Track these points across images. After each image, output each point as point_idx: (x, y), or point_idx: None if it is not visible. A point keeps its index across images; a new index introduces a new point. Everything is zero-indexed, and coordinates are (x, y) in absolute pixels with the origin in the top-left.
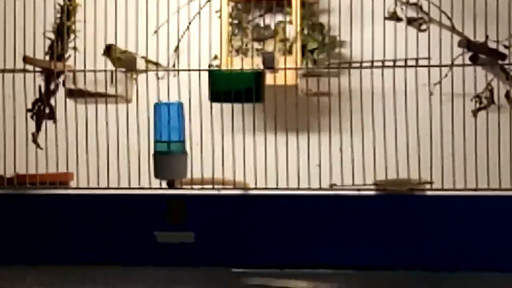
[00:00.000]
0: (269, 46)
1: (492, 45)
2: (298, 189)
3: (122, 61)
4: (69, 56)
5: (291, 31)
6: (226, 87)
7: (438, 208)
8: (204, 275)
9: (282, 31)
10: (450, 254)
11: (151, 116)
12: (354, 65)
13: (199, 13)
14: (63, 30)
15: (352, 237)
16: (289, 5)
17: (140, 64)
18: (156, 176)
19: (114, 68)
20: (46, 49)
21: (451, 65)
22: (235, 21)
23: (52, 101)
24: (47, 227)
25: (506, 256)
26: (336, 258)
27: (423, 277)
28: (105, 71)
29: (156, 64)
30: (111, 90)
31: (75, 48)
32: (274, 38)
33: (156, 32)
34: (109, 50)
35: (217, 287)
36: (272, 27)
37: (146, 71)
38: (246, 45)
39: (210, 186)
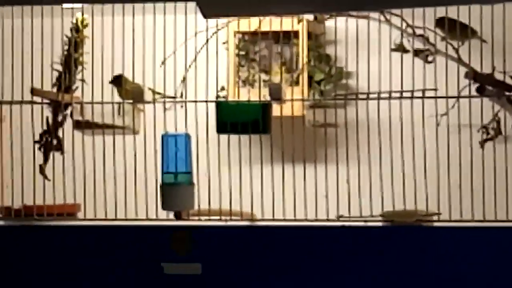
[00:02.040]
0: (276, 77)
1: (498, 76)
2: (305, 220)
3: (130, 92)
4: (77, 87)
5: (298, 62)
6: (233, 118)
7: (445, 240)
8: None
9: (280, 57)
10: (457, 285)
11: (159, 148)
12: (360, 96)
13: (206, 44)
14: (70, 62)
15: (359, 268)
16: (296, 36)
17: (148, 96)
18: (163, 207)
19: (121, 100)
20: (54, 81)
21: (458, 97)
22: (242, 52)
23: (59, 133)
24: (54, 259)
25: None
26: None
27: None
28: (113, 103)
29: (164, 96)
30: (118, 122)
31: (82, 80)
32: (280, 68)
33: (163, 63)
34: (118, 80)
35: None
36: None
37: (153, 102)
38: (253, 76)
39: (217, 218)
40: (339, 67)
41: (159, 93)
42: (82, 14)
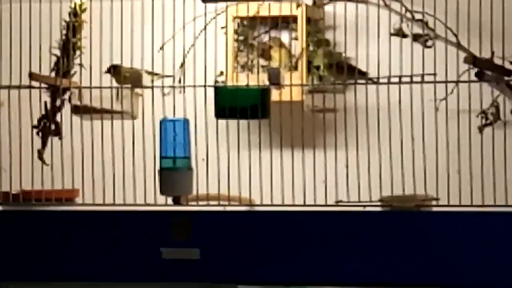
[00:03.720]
0: (275, 62)
1: (498, 61)
2: (304, 205)
3: (128, 78)
4: (75, 72)
5: (297, 47)
6: (232, 103)
7: (444, 225)
8: None
9: (278, 42)
10: (456, 270)
11: (157, 133)
12: (359, 81)
13: (205, 29)
14: (68, 47)
15: (357, 254)
16: (295, 21)
17: (146, 80)
18: (162, 192)
19: (119, 85)
20: (52, 66)
21: (457, 81)
22: (241, 38)
23: (57, 118)
24: (53, 244)
25: None
26: (342, 274)
27: None
28: (111, 87)
29: (156, 74)
30: (116, 107)
31: (80, 65)
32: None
33: (161, 48)
34: (115, 70)
35: None
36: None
37: (152, 87)
38: (252, 61)
39: (216, 203)
40: (338, 52)
41: (156, 74)
42: None
